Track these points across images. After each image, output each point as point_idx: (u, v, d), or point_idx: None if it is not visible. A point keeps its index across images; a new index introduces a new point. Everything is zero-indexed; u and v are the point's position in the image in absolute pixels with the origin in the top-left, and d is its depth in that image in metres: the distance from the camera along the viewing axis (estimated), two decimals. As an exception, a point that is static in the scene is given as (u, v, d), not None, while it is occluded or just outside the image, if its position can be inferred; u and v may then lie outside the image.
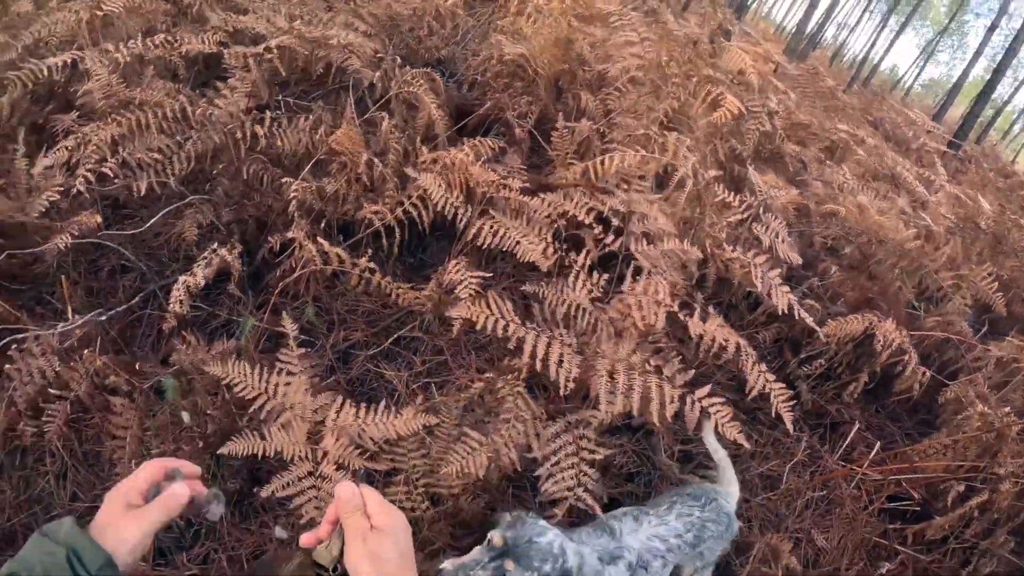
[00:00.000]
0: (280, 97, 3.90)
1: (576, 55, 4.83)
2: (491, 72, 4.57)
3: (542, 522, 2.01)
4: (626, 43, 4.33)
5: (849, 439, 3.62)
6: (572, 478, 2.56)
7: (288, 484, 2.32)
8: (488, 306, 2.72)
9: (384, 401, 2.53)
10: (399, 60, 4.06)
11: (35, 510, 2.64)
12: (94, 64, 3.58)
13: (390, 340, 3.30)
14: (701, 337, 2.85)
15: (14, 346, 2.66)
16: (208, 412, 2.72)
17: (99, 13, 4.40)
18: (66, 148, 3.24)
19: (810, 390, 3.90)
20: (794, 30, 23.26)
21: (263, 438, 2.40)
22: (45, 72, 3.52)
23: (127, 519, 1.18)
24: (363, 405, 2.51)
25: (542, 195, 3.27)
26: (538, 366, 2.56)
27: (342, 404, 2.52)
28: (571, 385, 2.52)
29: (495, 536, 1.90)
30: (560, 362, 2.58)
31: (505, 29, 5.09)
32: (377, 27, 4.71)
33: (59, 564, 1.07)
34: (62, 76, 3.69)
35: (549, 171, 4.00)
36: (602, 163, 3.37)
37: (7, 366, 2.64)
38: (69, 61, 3.59)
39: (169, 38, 3.71)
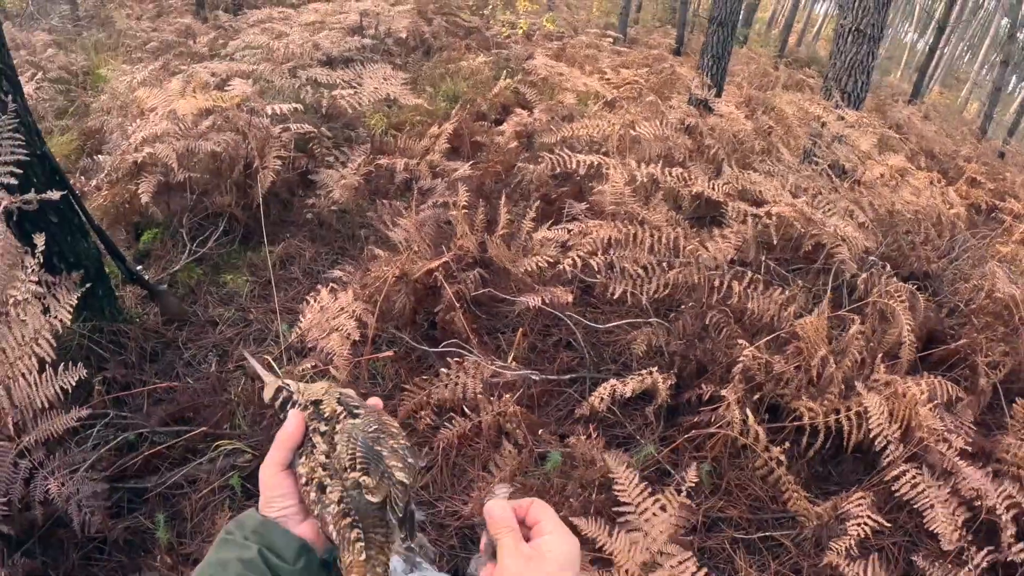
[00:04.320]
0: (764, 258, 4.05)
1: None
2: (976, 304, 4.26)
3: None
4: None
5: None
6: None
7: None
8: None
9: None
10: (887, 267, 3.97)
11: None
12: (615, 172, 4.05)
13: (761, 534, 3.18)
14: None
15: (459, 359, 3.11)
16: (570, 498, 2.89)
17: (631, 132, 5.00)
18: (567, 230, 3.71)
19: None
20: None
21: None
22: (573, 164, 4.06)
23: (286, 483, 1.07)
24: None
25: (980, 464, 2.94)
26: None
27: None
28: None
29: None
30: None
31: (1004, 259, 4.71)
32: (875, 220, 4.67)
33: (253, 563, 0.98)
34: (584, 169, 4.21)
35: (998, 438, 3.58)
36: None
37: (443, 370, 3.10)
38: (595, 162, 4.10)
39: (684, 173, 4.06)
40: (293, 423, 1.07)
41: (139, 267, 4.06)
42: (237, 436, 3.38)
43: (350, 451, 1.01)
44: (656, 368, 3.11)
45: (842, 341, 3.45)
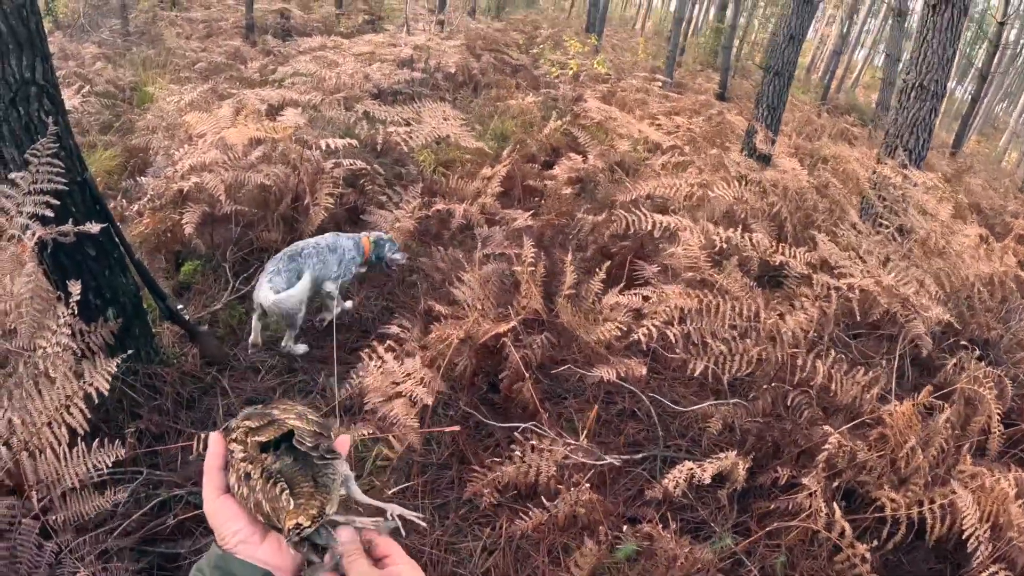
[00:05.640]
0: (841, 331, 3.80)
1: None
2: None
3: None
4: None
5: None
6: None
7: None
8: None
9: None
10: (974, 350, 3.71)
11: None
12: (690, 235, 3.82)
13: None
14: None
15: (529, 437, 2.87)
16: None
17: (708, 193, 4.77)
18: (641, 296, 3.47)
19: None
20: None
21: None
22: (647, 224, 3.83)
23: (228, 506, 1.02)
24: None
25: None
26: None
27: None
28: None
29: None
30: None
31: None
32: (948, 290, 4.40)
33: None
34: (656, 229, 3.97)
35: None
36: None
37: (515, 451, 2.86)
38: (671, 224, 3.87)
39: (764, 239, 3.82)
40: (212, 445, 1.05)
41: (180, 306, 3.85)
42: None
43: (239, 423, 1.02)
44: (731, 448, 2.90)
45: (928, 428, 3.22)
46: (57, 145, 2.96)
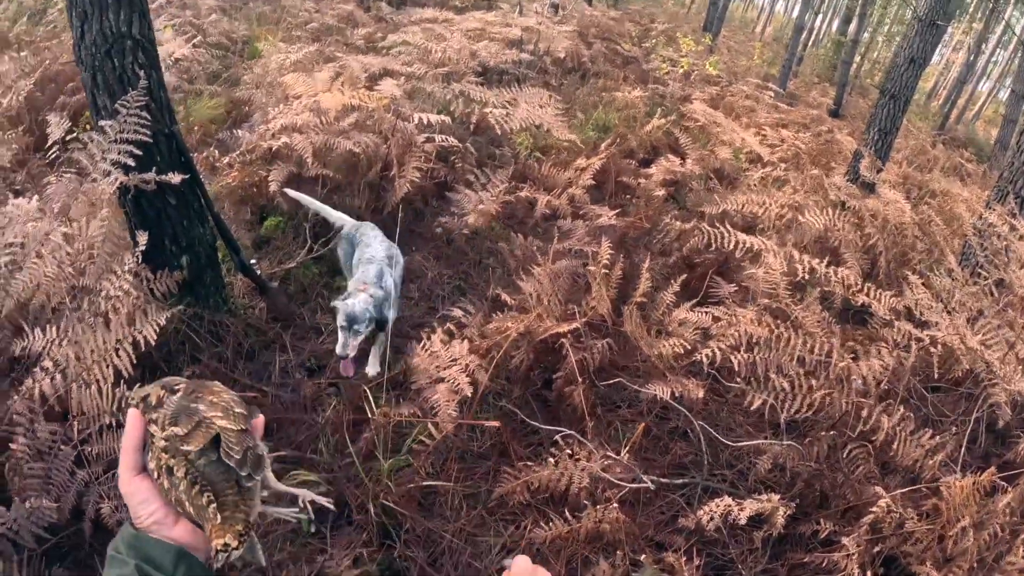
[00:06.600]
0: (919, 382, 3.59)
1: None
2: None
3: None
4: None
5: None
6: None
7: None
8: None
9: None
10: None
11: None
12: (773, 259, 3.67)
13: None
14: None
15: (568, 445, 2.81)
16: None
17: (799, 217, 4.58)
18: (712, 315, 3.36)
19: None
20: None
21: None
22: (730, 243, 3.70)
23: (144, 487, 1.00)
24: None
25: None
26: None
27: None
28: None
29: None
30: None
31: None
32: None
33: None
34: (741, 252, 3.83)
35: None
36: None
37: (551, 455, 2.80)
38: (754, 245, 3.72)
39: (848, 275, 3.64)
40: (130, 423, 1.03)
41: (254, 260, 3.92)
42: (318, 466, 3.17)
43: (165, 415, 0.98)
44: (777, 489, 2.77)
45: (985, 508, 2.98)
46: (147, 97, 3.04)
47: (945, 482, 2.85)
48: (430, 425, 2.84)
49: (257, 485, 1.00)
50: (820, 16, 31.36)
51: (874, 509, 2.72)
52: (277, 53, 6.68)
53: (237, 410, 1.02)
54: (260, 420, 1.09)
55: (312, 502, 1.16)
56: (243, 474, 0.96)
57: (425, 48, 6.62)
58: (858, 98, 19.32)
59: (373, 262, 3.80)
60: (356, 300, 3.44)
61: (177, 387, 1.04)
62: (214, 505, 0.93)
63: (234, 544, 0.91)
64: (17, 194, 3.88)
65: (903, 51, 6.88)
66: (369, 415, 3.13)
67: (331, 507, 1.25)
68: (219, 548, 0.91)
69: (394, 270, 3.98)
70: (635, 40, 12.38)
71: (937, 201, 6.93)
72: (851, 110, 15.87)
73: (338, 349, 3.45)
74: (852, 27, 16.81)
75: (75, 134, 3.93)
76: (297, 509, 1.13)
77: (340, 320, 3.42)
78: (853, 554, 2.66)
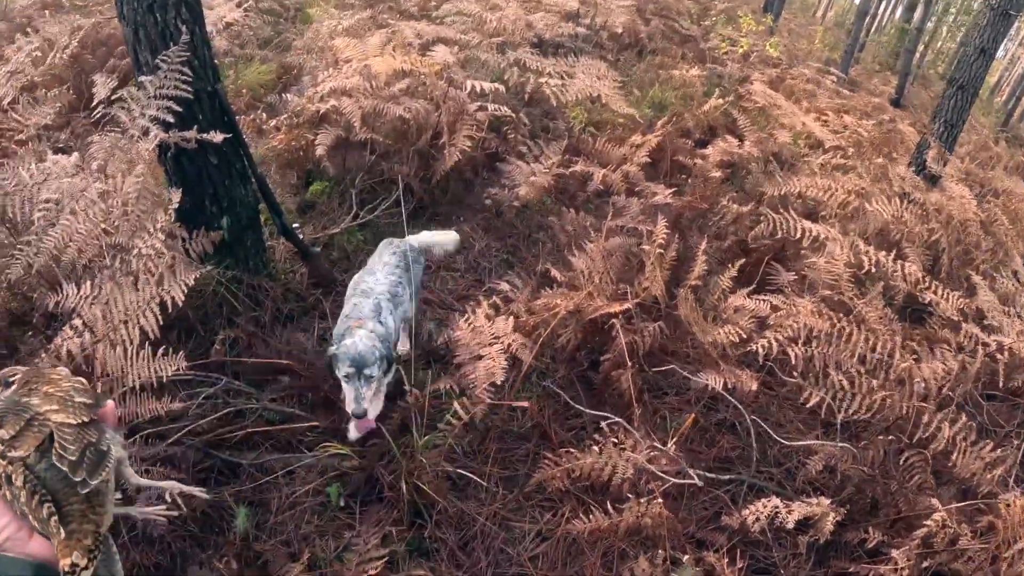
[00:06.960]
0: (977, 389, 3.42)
1: None
2: None
3: None
4: None
5: None
6: None
7: None
8: None
9: None
10: None
11: None
12: (838, 248, 3.51)
13: None
14: None
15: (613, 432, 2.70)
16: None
17: (865, 205, 4.39)
18: (770, 304, 3.22)
19: None
20: None
21: None
22: (796, 231, 3.55)
23: None
24: None
25: None
26: None
27: None
28: None
29: None
30: None
31: None
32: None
33: None
34: (801, 236, 3.68)
35: None
36: None
37: (595, 440, 2.69)
38: (818, 233, 3.56)
39: (914, 270, 3.47)
40: None
41: (296, 225, 3.84)
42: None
43: None
44: (826, 493, 2.68)
45: None
46: (190, 53, 2.96)
47: (1004, 499, 2.69)
48: (461, 403, 2.73)
49: (107, 487, 0.89)
50: (884, 2, 30.46)
51: (928, 522, 2.57)
52: (329, 19, 6.59)
53: (78, 399, 0.92)
54: (110, 407, 0.99)
55: (181, 494, 1.03)
56: (77, 480, 0.85)
57: (480, 17, 6.47)
58: (920, 88, 18.73)
59: (369, 295, 3.15)
60: (357, 339, 2.82)
61: (12, 379, 0.93)
62: (55, 518, 0.83)
63: (82, 563, 0.81)
64: (60, 152, 3.85)
65: (973, 40, 6.56)
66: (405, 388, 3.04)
67: (204, 495, 1.16)
68: (66, 570, 0.81)
69: (403, 302, 3.32)
70: (694, 18, 12.05)
71: (1001, 200, 6.63)
72: (912, 100, 15.36)
73: (351, 407, 2.79)
74: (917, 14, 16.27)
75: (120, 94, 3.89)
76: (164, 506, 1.01)
77: (344, 369, 2.78)
78: (903, 568, 2.52)
